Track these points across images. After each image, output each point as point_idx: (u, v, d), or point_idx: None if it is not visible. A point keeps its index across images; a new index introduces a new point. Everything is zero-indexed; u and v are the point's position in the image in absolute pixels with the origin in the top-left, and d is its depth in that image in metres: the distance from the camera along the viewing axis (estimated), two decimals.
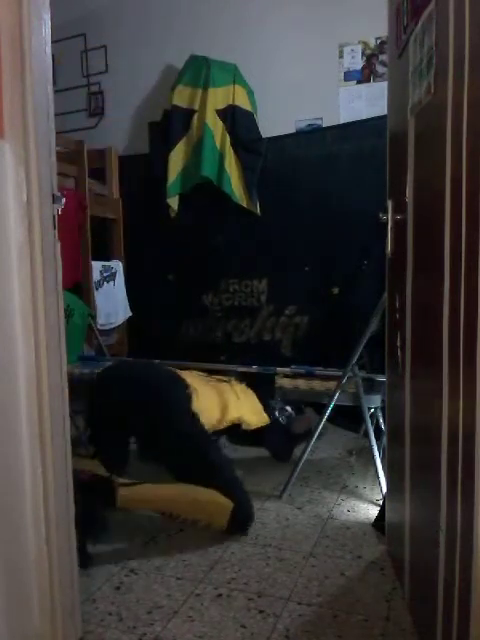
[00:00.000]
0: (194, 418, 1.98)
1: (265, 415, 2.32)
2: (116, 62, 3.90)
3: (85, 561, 1.62)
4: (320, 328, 3.37)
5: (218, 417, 2.10)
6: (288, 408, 2.49)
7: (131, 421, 2.02)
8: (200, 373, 2.37)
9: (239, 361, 2.98)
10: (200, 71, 3.39)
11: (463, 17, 0.94)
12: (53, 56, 1.24)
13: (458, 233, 0.97)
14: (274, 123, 3.44)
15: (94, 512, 1.65)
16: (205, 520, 1.84)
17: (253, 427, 2.24)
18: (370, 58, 3.31)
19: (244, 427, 2.20)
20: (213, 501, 1.80)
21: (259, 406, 2.33)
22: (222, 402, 2.16)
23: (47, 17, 1.17)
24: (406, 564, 1.45)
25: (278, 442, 2.45)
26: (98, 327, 3.21)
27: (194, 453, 1.91)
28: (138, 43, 3.79)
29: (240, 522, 1.85)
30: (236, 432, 2.24)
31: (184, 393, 2.03)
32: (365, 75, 3.33)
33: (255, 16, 3.47)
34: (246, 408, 2.25)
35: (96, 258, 3.39)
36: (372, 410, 2.25)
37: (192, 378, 2.17)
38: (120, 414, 2.03)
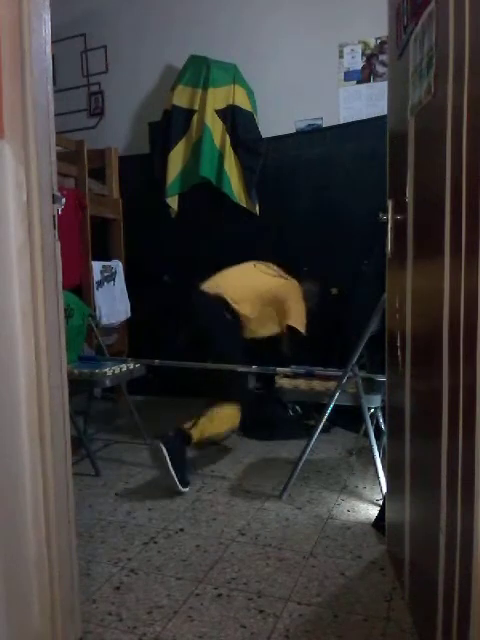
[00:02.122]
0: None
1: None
2: (116, 62, 3.90)
3: (187, 482, 2.26)
4: (320, 328, 3.37)
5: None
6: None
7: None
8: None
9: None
10: (200, 71, 3.39)
11: (463, 17, 0.93)
12: (53, 56, 1.24)
13: (458, 233, 0.97)
14: (274, 123, 3.44)
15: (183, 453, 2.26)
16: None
17: None
18: (370, 58, 3.31)
19: None
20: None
21: None
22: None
23: (47, 17, 1.17)
24: (406, 564, 1.45)
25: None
26: (100, 326, 3.21)
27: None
28: (138, 43, 3.79)
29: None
30: None
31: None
32: (365, 75, 3.34)
33: (255, 16, 3.47)
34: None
35: (96, 258, 3.39)
36: (372, 410, 2.25)
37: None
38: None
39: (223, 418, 2.45)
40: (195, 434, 2.31)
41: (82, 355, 3.00)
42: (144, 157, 3.72)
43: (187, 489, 2.23)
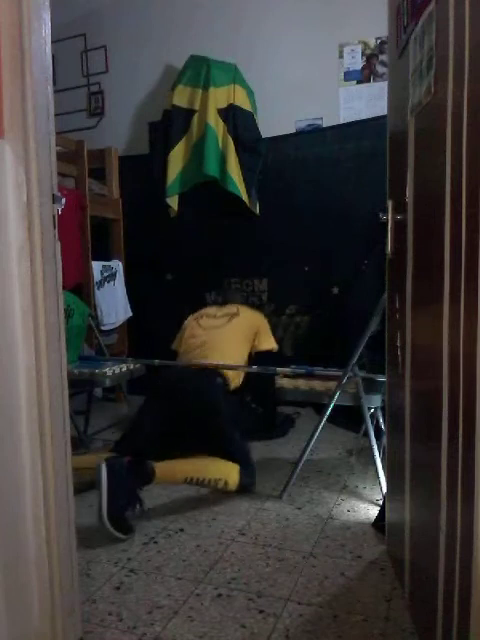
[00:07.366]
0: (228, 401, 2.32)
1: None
2: (116, 62, 3.91)
3: (127, 529, 1.84)
4: (320, 328, 3.38)
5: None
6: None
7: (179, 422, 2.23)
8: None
9: None
10: (200, 71, 3.39)
11: (463, 17, 0.93)
12: (53, 56, 1.24)
13: (458, 233, 0.97)
14: (274, 123, 3.44)
15: (134, 490, 1.89)
16: (222, 478, 2.06)
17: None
18: (370, 58, 3.31)
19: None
20: (223, 463, 2.10)
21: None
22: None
23: (47, 17, 1.17)
24: (406, 564, 1.45)
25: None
26: (100, 327, 3.21)
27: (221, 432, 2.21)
28: (138, 43, 3.79)
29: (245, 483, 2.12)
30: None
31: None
32: (365, 75, 3.34)
33: (255, 16, 3.47)
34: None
35: (96, 258, 3.40)
36: (372, 410, 2.25)
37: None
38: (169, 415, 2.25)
39: (214, 467, 2.07)
40: (161, 469, 1.92)
41: (82, 355, 3.01)
42: (144, 157, 3.72)
43: (124, 537, 1.80)
